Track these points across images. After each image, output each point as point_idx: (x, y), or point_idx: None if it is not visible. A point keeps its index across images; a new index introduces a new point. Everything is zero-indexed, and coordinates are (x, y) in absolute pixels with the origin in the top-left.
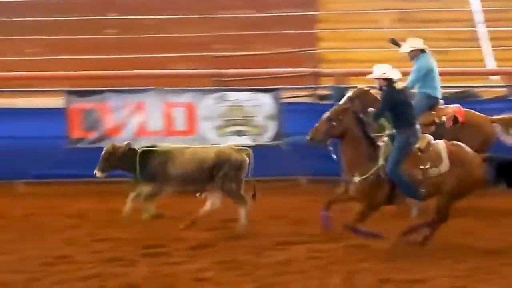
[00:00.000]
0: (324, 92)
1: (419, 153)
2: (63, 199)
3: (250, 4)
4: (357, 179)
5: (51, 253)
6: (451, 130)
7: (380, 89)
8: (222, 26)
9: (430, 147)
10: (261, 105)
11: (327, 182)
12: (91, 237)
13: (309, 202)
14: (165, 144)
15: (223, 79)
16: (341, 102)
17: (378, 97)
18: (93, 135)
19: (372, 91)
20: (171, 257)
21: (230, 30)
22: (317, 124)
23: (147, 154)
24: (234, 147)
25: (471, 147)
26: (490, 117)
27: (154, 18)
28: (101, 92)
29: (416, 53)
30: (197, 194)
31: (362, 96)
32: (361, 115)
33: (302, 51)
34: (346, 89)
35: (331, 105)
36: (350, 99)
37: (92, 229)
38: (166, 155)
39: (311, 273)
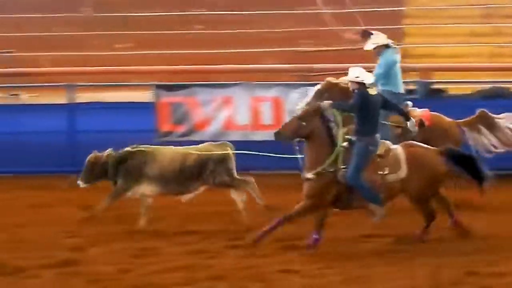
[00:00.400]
0: (410, 86)
1: (378, 159)
2: None
3: (337, 0)
4: (309, 175)
5: (140, 245)
6: (417, 134)
7: (353, 92)
8: (308, 21)
9: (389, 153)
10: None
11: None
12: (179, 230)
13: None
14: (144, 145)
15: (309, 74)
16: (310, 95)
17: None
18: (181, 129)
19: (342, 83)
20: (258, 249)
21: (316, 25)
22: (287, 121)
23: (126, 156)
24: (213, 143)
25: None
26: (456, 120)
27: (241, 14)
28: (190, 86)
29: (381, 49)
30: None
31: (331, 89)
32: (329, 118)
33: None
34: (431, 83)
35: (416, 100)
36: (320, 92)
37: (180, 222)
38: (145, 156)
39: (398, 266)
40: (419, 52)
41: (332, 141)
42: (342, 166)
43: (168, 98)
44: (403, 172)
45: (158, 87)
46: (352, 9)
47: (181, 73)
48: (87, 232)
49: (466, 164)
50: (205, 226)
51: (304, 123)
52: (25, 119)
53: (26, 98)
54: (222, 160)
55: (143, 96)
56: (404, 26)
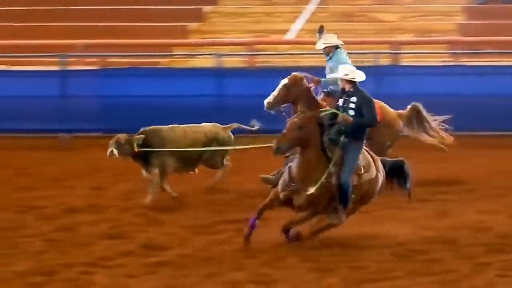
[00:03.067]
0: None
1: None
2: None
3: None
4: (311, 189)
5: None
6: None
7: (344, 91)
8: None
9: None
10: None
11: None
12: None
13: None
14: (159, 127)
15: None
16: (278, 89)
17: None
18: None
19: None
20: None
21: None
22: (285, 131)
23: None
24: (220, 126)
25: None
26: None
27: None
28: None
29: (331, 49)
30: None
31: (298, 84)
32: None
33: None
34: None
35: None
36: (287, 86)
37: None
38: (163, 138)
39: None
40: None
41: (323, 150)
42: (334, 170)
43: None
44: (373, 172)
45: None
46: None
47: None
48: None
49: (395, 171)
50: None
51: (304, 132)
52: None
53: None
54: (226, 144)
55: None
56: None
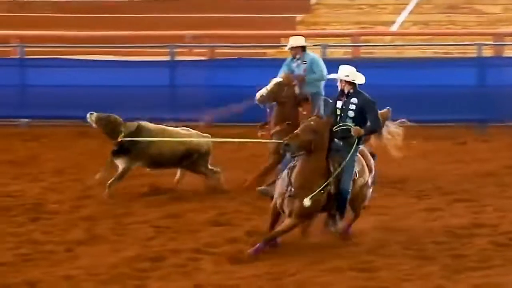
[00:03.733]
0: None
1: None
2: None
3: None
4: (307, 201)
5: None
6: None
7: (344, 93)
8: None
9: None
10: None
11: None
12: None
13: None
14: (145, 123)
15: None
16: (270, 85)
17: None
18: None
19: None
20: None
21: None
22: (298, 132)
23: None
24: (200, 134)
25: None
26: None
27: None
28: None
29: (297, 51)
30: None
31: (290, 83)
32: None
33: None
34: None
35: None
36: (281, 84)
37: None
38: (148, 134)
39: None
40: None
41: (327, 158)
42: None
43: None
44: (367, 175)
45: None
46: None
47: None
48: None
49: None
50: None
51: (317, 136)
52: None
53: None
54: (207, 153)
55: None
56: None
